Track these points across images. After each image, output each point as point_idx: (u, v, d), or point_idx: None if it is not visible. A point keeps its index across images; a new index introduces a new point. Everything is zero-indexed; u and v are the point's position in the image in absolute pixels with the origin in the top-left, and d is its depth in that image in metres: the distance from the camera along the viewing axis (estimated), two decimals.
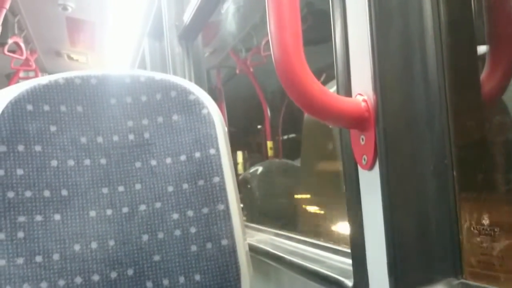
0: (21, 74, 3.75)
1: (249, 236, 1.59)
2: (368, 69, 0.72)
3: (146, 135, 1.03)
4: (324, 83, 0.86)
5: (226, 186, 1.01)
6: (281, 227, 1.73)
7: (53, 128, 0.97)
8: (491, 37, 0.84)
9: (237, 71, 3.87)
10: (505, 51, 0.83)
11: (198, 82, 2.23)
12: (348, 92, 0.79)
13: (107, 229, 0.96)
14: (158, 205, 0.99)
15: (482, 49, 0.84)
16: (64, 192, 0.95)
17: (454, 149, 0.71)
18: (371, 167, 0.74)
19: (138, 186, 1.00)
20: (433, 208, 0.70)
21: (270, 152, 4.29)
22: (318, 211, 1.71)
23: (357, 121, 0.73)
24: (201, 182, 1.01)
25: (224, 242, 0.99)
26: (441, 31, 0.72)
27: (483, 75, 0.82)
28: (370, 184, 0.74)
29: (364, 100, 0.73)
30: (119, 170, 1.00)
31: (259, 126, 5.43)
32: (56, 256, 0.91)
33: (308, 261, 1.12)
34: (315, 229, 1.65)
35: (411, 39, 0.71)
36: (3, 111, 0.93)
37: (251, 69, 3.85)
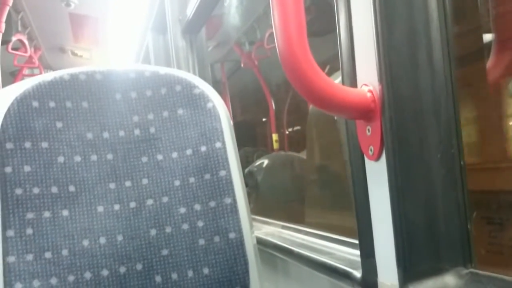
0: (26, 72, 3.76)
1: (257, 229, 1.59)
2: (373, 59, 0.72)
3: (152, 130, 1.03)
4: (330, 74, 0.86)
5: (232, 179, 1.01)
6: (288, 219, 1.73)
7: (59, 124, 0.97)
8: (497, 25, 0.83)
9: (242, 65, 3.86)
10: (510, 39, 0.82)
11: (202, 76, 2.22)
12: (354, 83, 0.78)
13: (115, 224, 0.96)
14: (165, 199, 1.00)
15: (487, 37, 0.84)
16: (72, 188, 0.95)
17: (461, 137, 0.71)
18: (377, 158, 0.73)
19: (145, 181, 1.00)
20: (441, 197, 0.70)
21: (275, 145, 4.28)
22: (325, 203, 1.70)
23: (363, 112, 0.73)
24: (207, 176, 1.01)
25: (232, 235, 0.99)
26: (446, 20, 0.71)
27: (489, 63, 0.82)
28: (377, 175, 0.74)
29: (370, 91, 0.73)
30: (126, 165, 1.00)
31: (264, 119, 5.42)
32: (65, 252, 0.92)
33: (316, 253, 1.12)
34: (322, 221, 1.65)
35: (417, 28, 0.71)
36: (9, 108, 0.93)
37: (256, 62, 3.84)
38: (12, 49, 3.12)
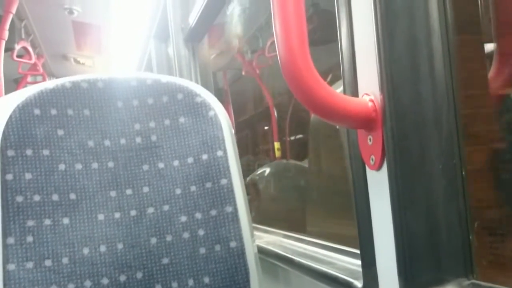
0: (29, 79, 3.77)
1: (258, 238, 1.59)
2: (374, 69, 0.72)
3: (153, 138, 1.03)
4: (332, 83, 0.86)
5: (234, 188, 1.01)
6: (289, 228, 1.72)
7: (60, 132, 0.97)
8: (498, 34, 0.83)
9: (243, 73, 3.86)
10: None
11: (205, 84, 2.23)
12: (355, 92, 0.78)
13: (116, 232, 0.96)
14: (166, 207, 0.99)
15: (489, 46, 0.84)
16: (73, 196, 0.95)
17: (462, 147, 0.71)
18: (379, 167, 0.73)
19: (146, 189, 1.00)
20: (442, 207, 0.70)
21: (277, 153, 4.28)
22: (326, 212, 1.70)
23: (364, 121, 0.73)
24: (208, 184, 1.01)
25: (233, 244, 0.99)
26: (447, 29, 0.71)
27: (491, 73, 0.82)
28: (378, 185, 0.74)
29: (371, 100, 0.73)
30: (127, 173, 1.00)
31: (266, 127, 5.43)
32: (65, 260, 0.92)
33: (318, 263, 1.12)
34: (323, 230, 1.64)
35: (418, 38, 0.71)
36: (11, 116, 0.93)
37: (258, 71, 3.84)
38: (17, 56, 3.13)
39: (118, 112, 1.02)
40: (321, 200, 1.73)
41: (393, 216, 0.71)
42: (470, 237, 0.69)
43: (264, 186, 2.78)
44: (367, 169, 0.77)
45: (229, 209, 1.00)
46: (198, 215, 1.00)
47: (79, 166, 0.97)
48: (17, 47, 3.05)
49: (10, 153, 0.92)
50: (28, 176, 0.92)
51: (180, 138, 1.03)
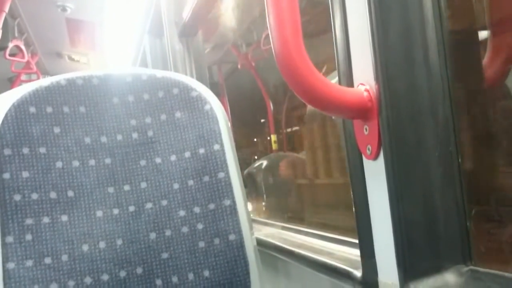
0: (23, 77, 3.75)
1: (257, 231, 1.59)
2: (369, 59, 0.72)
3: (150, 133, 1.03)
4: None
5: (231, 181, 1.01)
6: (288, 220, 1.73)
7: (56, 130, 0.97)
8: (492, 22, 0.83)
9: (239, 66, 3.85)
10: (506, 36, 0.82)
11: (200, 78, 2.23)
12: (350, 83, 0.78)
13: (115, 228, 0.96)
14: (164, 202, 1.00)
15: (483, 34, 0.84)
16: (70, 193, 0.95)
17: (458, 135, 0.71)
18: (375, 157, 0.73)
19: (143, 185, 1.00)
20: (440, 195, 0.70)
21: (274, 146, 4.28)
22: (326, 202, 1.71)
23: (360, 111, 0.73)
24: (206, 178, 1.01)
25: (232, 237, 0.99)
26: (441, 18, 0.71)
27: (485, 60, 0.82)
28: (376, 174, 0.74)
29: (366, 90, 0.73)
30: (124, 169, 1.00)
31: (262, 120, 5.42)
32: (65, 257, 0.92)
33: (317, 254, 1.12)
34: (322, 221, 1.65)
35: (412, 27, 0.71)
36: (6, 114, 0.93)
37: (253, 64, 3.83)
38: (9, 55, 3.11)
39: (114, 108, 1.02)
40: (319, 190, 1.74)
41: (391, 205, 0.71)
42: (468, 224, 0.70)
43: (260, 178, 2.78)
44: (364, 159, 0.78)
45: (227, 202, 1.00)
46: (197, 209, 1.00)
47: (76, 163, 0.97)
48: (11, 45, 3.04)
49: (7, 151, 0.92)
50: (25, 174, 0.92)
51: (176, 133, 1.03)
